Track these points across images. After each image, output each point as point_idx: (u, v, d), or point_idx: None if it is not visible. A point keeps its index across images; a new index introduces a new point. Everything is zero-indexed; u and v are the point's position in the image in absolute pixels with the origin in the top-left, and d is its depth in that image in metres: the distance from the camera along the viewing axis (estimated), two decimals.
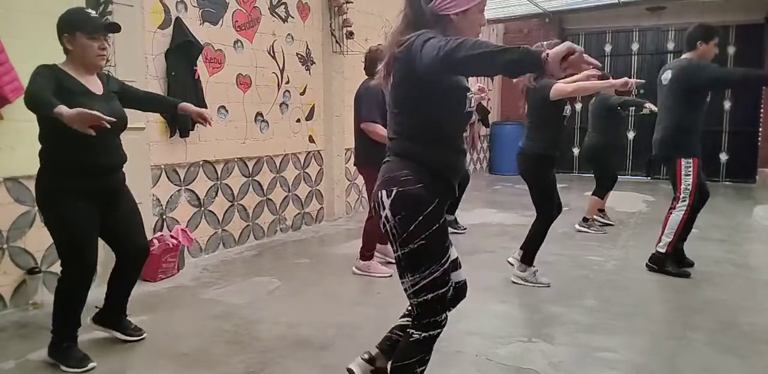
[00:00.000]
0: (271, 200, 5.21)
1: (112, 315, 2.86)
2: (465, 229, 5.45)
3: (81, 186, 2.53)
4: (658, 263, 4.07)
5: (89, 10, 2.68)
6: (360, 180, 6.47)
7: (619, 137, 5.75)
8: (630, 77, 6.16)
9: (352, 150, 6.21)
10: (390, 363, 1.98)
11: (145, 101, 2.94)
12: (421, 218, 1.79)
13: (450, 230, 3.47)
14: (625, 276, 4.03)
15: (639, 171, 9.44)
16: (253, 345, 2.84)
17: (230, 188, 4.76)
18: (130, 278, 2.85)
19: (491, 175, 9.96)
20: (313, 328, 3.03)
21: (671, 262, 4.08)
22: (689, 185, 3.94)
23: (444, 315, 1.88)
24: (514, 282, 3.81)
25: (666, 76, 4.08)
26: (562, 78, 3.36)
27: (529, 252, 3.80)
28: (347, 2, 5.68)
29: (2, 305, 3.21)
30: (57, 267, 3.40)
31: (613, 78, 5.58)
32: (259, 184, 5.07)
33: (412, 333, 1.88)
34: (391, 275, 4.05)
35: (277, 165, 5.27)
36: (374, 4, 6.49)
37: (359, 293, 3.70)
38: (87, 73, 2.58)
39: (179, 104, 2.88)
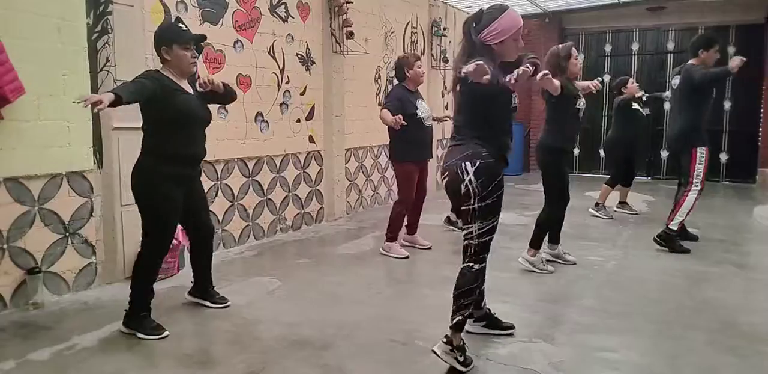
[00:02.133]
0: (271, 200, 5.21)
1: (200, 288, 3.36)
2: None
3: (176, 173, 2.96)
4: (667, 240, 4.62)
5: (180, 25, 3.10)
6: (360, 179, 6.49)
7: (634, 134, 6.18)
8: (631, 77, 6.58)
9: (351, 150, 6.27)
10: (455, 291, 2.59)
11: (219, 95, 3.24)
12: (496, 181, 2.53)
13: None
14: (625, 276, 4.03)
15: (639, 171, 9.41)
16: (253, 345, 2.84)
17: (230, 188, 4.76)
18: (206, 254, 3.35)
19: None
20: (313, 328, 3.03)
21: (677, 240, 4.63)
22: (701, 172, 4.57)
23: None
24: (521, 264, 4.10)
25: (675, 81, 4.78)
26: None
27: (536, 237, 4.10)
28: (347, 2, 5.67)
29: (2, 305, 3.21)
30: (57, 267, 3.45)
31: (635, 83, 6.25)
32: (259, 184, 5.07)
33: (472, 265, 2.57)
34: (407, 257, 4.44)
35: (277, 165, 5.27)
36: (374, 4, 6.49)
37: (359, 293, 3.69)
38: (181, 77, 3.01)
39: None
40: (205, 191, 4.42)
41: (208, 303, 3.34)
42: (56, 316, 3.19)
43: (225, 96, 3.21)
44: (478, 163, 2.51)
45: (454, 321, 2.56)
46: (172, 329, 3.02)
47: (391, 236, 4.53)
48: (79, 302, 3.39)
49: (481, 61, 2.20)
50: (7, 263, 3.22)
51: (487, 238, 2.56)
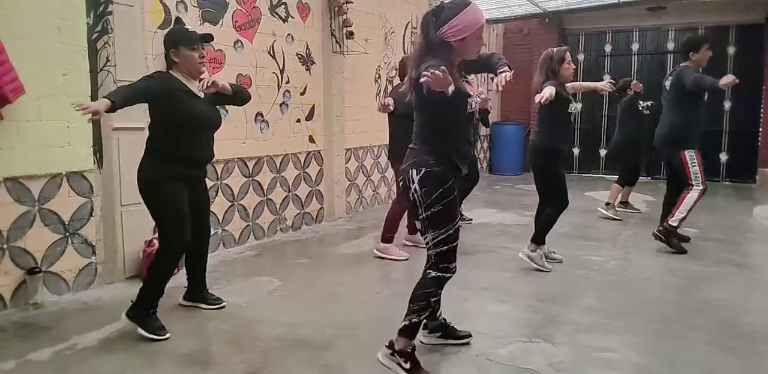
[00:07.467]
0: (271, 200, 5.21)
1: (196, 291, 3.37)
2: (470, 219, 5.80)
3: (180, 174, 2.98)
4: (666, 235, 4.59)
5: (187, 26, 3.21)
6: (360, 179, 6.49)
7: (638, 135, 6.28)
8: (631, 77, 6.72)
9: (351, 150, 6.27)
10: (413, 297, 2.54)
11: (230, 96, 3.24)
12: (441, 190, 2.40)
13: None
14: (625, 276, 4.03)
15: (639, 171, 9.43)
16: (253, 345, 2.84)
17: (230, 188, 4.76)
18: (204, 257, 3.38)
19: (491, 175, 9.96)
20: (313, 328, 3.03)
21: (677, 237, 4.60)
22: (697, 172, 4.51)
23: (455, 264, 2.50)
24: (522, 258, 4.15)
25: (667, 83, 4.74)
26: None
27: (539, 233, 4.14)
28: (347, 2, 5.68)
29: (2, 305, 3.20)
30: (57, 267, 3.45)
31: (638, 81, 6.50)
32: (259, 184, 5.07)
33: (430, 272, 2.48)
34: (407, 259, 4.40)
35: (277, 165, 5.27)
36: (374, 4, 6.49)
37: (359, 293, 3.69)
38: (191, 78, 3.03)
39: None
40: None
41: (203, 306, 3.33)
42: (56, 316, 3.19)
43: (235, 97, 3.19)
44: (423, 171, 2.41)
45: (401, 325, 2.51)
46: (172, 329, 3.02)
47: (389, 236, 4.45)
48: (79, 302, 3.39)
49: (444, 67, 2.05)
50: (7, 263, 3.22)
51: (444, 248, 2.44)
